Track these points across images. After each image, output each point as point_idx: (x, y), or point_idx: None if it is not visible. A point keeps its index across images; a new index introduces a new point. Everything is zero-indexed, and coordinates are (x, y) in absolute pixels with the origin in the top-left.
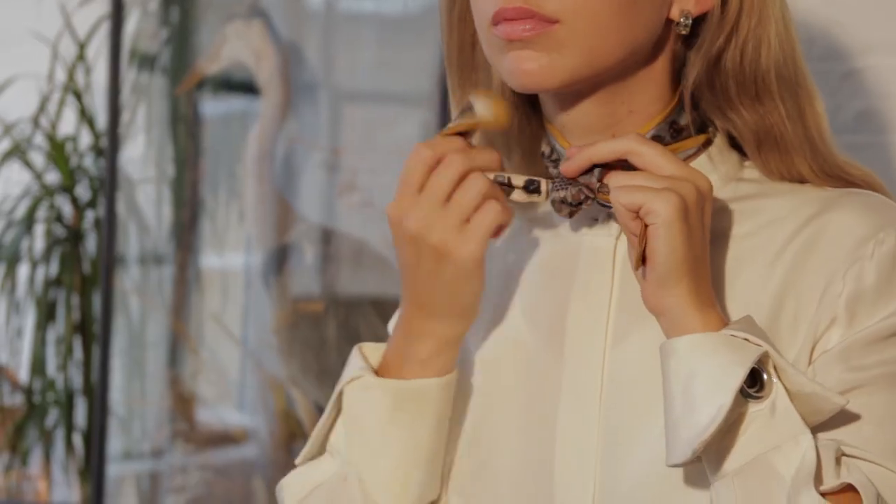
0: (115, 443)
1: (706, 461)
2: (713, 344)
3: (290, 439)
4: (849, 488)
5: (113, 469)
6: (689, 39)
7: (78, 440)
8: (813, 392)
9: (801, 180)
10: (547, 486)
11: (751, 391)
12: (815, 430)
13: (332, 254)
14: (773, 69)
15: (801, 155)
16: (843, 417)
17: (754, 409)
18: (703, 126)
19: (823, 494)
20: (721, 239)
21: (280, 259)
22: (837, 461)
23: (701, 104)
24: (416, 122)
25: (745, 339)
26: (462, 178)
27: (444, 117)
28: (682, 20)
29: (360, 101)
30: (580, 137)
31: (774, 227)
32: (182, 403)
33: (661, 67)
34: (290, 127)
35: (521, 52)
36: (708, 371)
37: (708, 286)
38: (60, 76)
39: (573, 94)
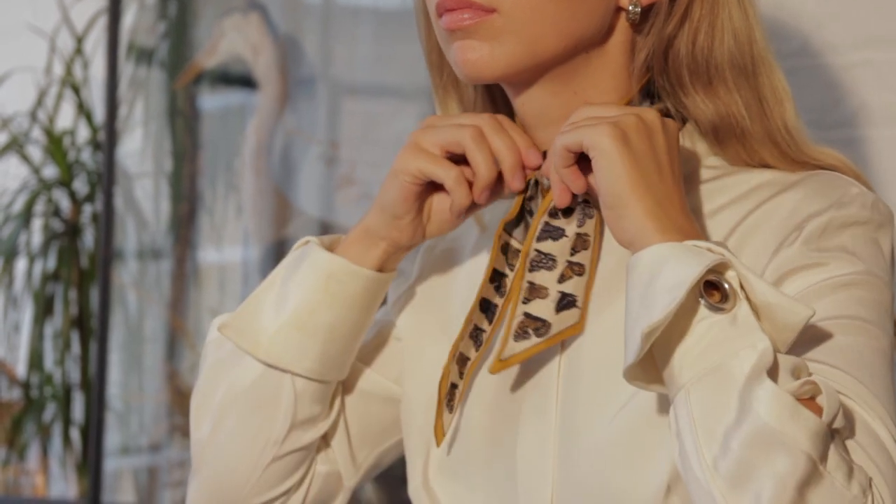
0: (112, 437)
1: (666, 377)
2: (674, 251)
3: None
4: (808, 399)
5: (110, 463)
6: (645, 27)
7: (76, 435)
8: (778, 302)
9: (766, 166)
10: (511, 468)
11: (715, 304)
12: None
13: None
14: (727, 57)
15: (761, 143)
16: (808, 343)
17: (715, 319)
18: (678, 115)
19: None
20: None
21: (278, 253)
22: (798, 373)
23: (661, 93)
24: (414, 115)
25: (709, 249)
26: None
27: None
28: (630, 8)
29: (359, 95)
30: (539, 129)
31: (731, 208)
32: (180, 398)
33: (614, 56)
34: (288, 120)
35: (463, 42)
36: (667, 272)
37: (678, 212)
38: (58, 70)
39: (523, 83)
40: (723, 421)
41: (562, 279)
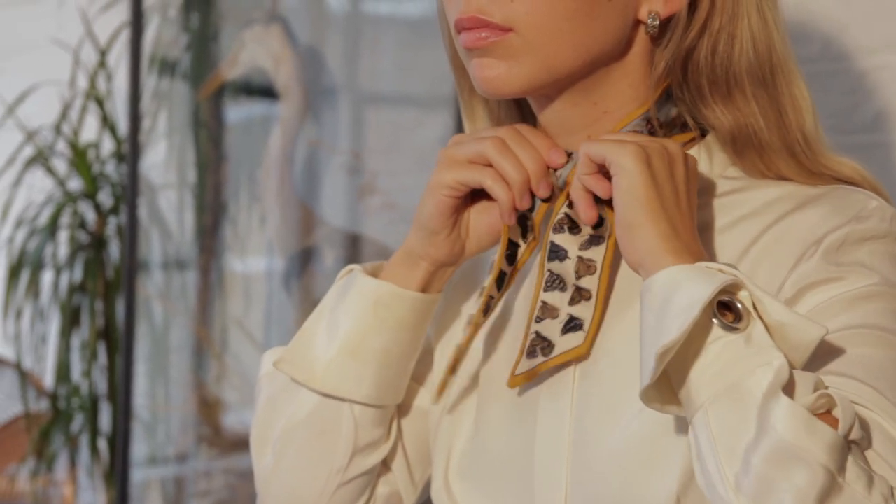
0: (139, 448)
1: (683, 398)
2: (687, 273)
3: None
4: (825, 413)
5: (138, 474)
6: (664, 39)
7: (103, 445)
8: (790, 322)
9: (783, 178)
10: (528, 473)
11: (729, 323)
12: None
13: (355, 258)
14: (745, 67)
15: (778, 155)
16: (822, 372)
17: (729, 339)
18: (696, 126)
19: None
20: (704, 231)
21: (302, 263)
22: (815, 388)
23: (679, 103)
24: (437, 124)
25: (720, 270)
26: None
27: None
28: (649, 21)
29: (381, 104)
30: (561, 138)
31: (748, 222)
32: (206, 408)
33: (633, 68)
34: (310, 131)
35: (481, 60)
36: (680, 294)
37: (691, 238)
38: (82, 83)
39: (543, 97)
40: (743, 439)
41: (572, 302)
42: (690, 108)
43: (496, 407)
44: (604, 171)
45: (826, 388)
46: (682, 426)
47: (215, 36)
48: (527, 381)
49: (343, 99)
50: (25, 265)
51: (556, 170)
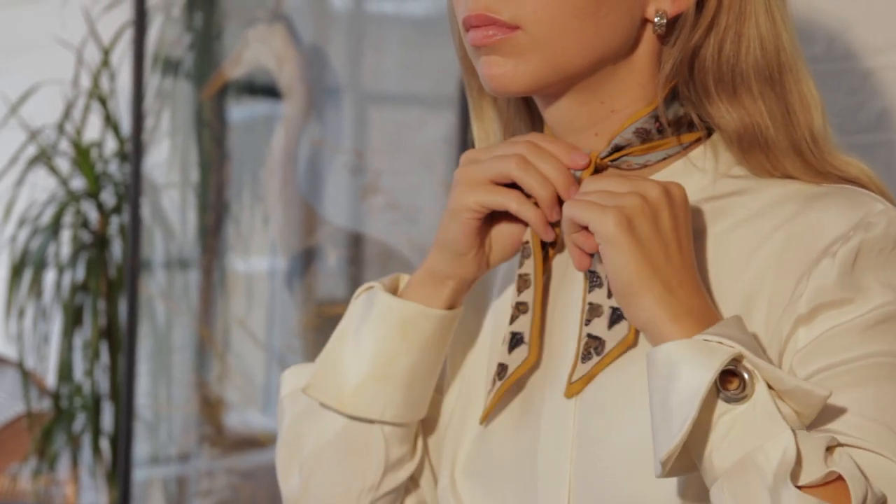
0: (141, 447)
1: (701, 469)
2: (685, 351)
3: None
4: (837, 479)
5: (140, 473)
6: (671, 38)
7: (105, 445)
8: (795, 387)
9: (789, 177)
10: (532, 473)
11: (734, 393)
12: (811, 427)
13: (358, 257)
14: (753, 66)
15: (785, 154)
16: (834, 412)
17: (738, 410)
18: (702, 124)
19: (809, 486)
20: (698, 238)
21: (305, 262)
22: (829, 450)
23: (685, 102)
24: (441, 124)
25: (719, 343)
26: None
27: (468, 119)
28: (656, 20)
29: (385, 104)
30: (568, 137)
31: (753, 223)
32: (208, 407)
33: (640, 67)
34: (313, 130)
35: (489, 58)
36: (680, 380)
37: (688, 292)
38: (85, 82)
39: (550, 95)
40: None
41: (610, 295)
42: (696, 106)
43: (501, 408)
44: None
45: (834, 447)
46: None
47: (218, 35)
48: (584, 386)
49: (346, 98)
50: (28, 264)
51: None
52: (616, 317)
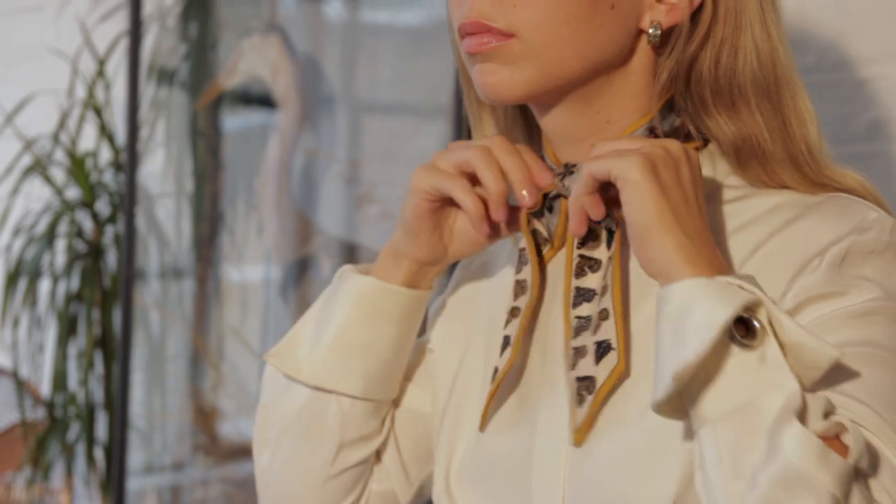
0: (136, 456)
1: (690, 409)
2: (706, 287)
3: None
4: (835, 439)
5: (134, 482)
6: (666, 49)
7: (99, 454)
8: (806, 342)
9: (786, 187)
10: (527, 478)
11: (743, 340)
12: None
13: None
14: (750, 78)
15: (782, 165)
16: (835, 380)
17: (744, 356)
18: (699, 135)
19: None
20: None
21: (299, 272)
22: (826, 413)
23: (682, 113)
24: (435, 133)
25: (740, 287)
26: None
27: (462, 129)
28: (651, 31)
29: (379, 114)
30: (565, 147)
31: (749, 230)
32: (202, 417)
33: (636, 77)
34: (308, 140)
35: (483, 66)
36: (698, 310)
37: (705, 244)
38: (80, 92)
39: (545, 104)
40: (750, 458)
41: (595, 331)
42: (693, 118)
43: (497, 412)
44: (604, 186)
45: (835, 411)
46: (682, 433)
47: (213, 45)
48: (589, 429)
49: (341, 108)
50: (23, 273)
51: (562, 180)
52: (604, 348)
